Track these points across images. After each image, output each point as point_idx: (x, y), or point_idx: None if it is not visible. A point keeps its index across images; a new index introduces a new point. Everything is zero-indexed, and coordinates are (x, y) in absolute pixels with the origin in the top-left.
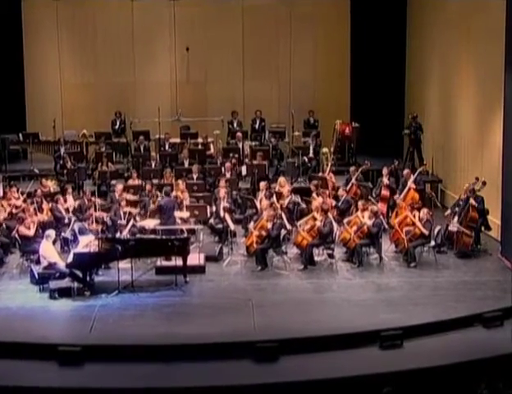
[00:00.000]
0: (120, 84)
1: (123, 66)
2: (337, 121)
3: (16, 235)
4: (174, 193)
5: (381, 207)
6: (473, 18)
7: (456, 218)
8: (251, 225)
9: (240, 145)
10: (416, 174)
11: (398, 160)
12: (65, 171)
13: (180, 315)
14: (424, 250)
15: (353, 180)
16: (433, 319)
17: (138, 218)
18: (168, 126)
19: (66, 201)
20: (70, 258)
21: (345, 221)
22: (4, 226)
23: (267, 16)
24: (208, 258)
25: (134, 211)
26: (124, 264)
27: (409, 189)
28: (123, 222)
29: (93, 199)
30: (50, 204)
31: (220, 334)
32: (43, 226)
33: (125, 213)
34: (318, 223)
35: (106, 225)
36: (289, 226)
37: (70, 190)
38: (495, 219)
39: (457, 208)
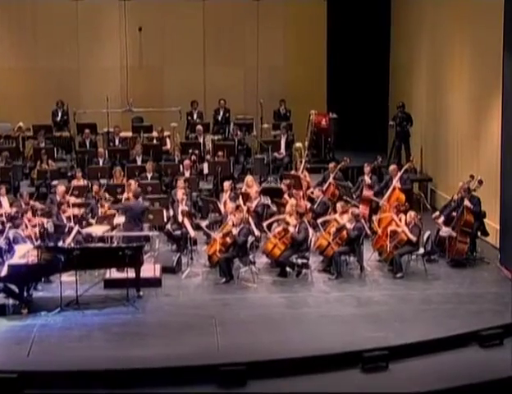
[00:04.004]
0: (62, 70)
1: (65, 48)
2: (312, 112)
3: None
4: (125, 195)
5: (363, 209)
6: None
7: (442, 219)
8: (205, 223)
9: (201, 140)
10: (402, 171)
11: (381, 156)
12: None
13: (132, 336)
14: (412, 259)
15: (330, 180)
16: (423, 338)
17: (84, 224)
18: (118, 118)
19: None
20: (3, 271)
21: (320, 221)
22: None
23: None
24: (164, 270)
25: (78, 215)
26: (67, 277)
27: (394, 188)
28: (66, 228)
29: (31, 202)
30: None
31: (179, 357)
32: None
33: (68, 219)
34: (292, 229)
35: (46, 232)
36: (257, 233)
37: (3, 190)
38: (492, 223)
39: (448, 209)
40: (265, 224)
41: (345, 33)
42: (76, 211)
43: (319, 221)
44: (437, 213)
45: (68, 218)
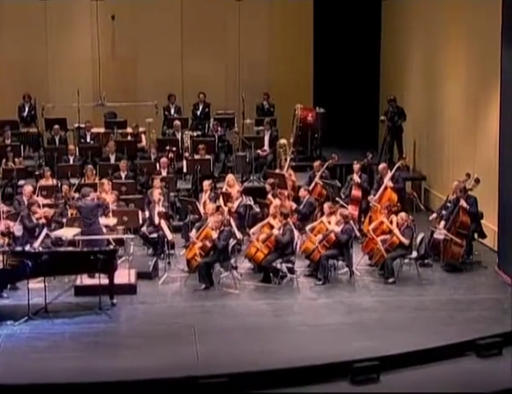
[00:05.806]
0: (29, 61)
1: (33, 38)
2: (298, 106)
3: None
4: (97, 194)
5: (352, 210)
6: None
7: (443, 223)
8: (193, 233)
9: (179, 136)
10: (394, 170)
11: (372, 153)
12: None
13: (105, 346)
14: (404, 263)
15: (317, 179)
16: (416, 347)
17: (53, 227)
18: (89, 113)
19: None
20: None
21: (308, 227)
22: None
23: None
24: (139, 275)
25: (48, 216)
26: (35, 284)
27: (386, 188)
28: (34, 231)
29: None
30: None
31: (155, 369)
32: None
33: (36, 221)
34: (276, 231)
35: (12, 236)
36: (239, 235)
37: None
38: (490, 224)
39: (444, 211)
40: (251, 231)
41: (333, 23)
42: (47, 212)
43: (307, 227)
44: (435, 216)
45: (38, 220)
